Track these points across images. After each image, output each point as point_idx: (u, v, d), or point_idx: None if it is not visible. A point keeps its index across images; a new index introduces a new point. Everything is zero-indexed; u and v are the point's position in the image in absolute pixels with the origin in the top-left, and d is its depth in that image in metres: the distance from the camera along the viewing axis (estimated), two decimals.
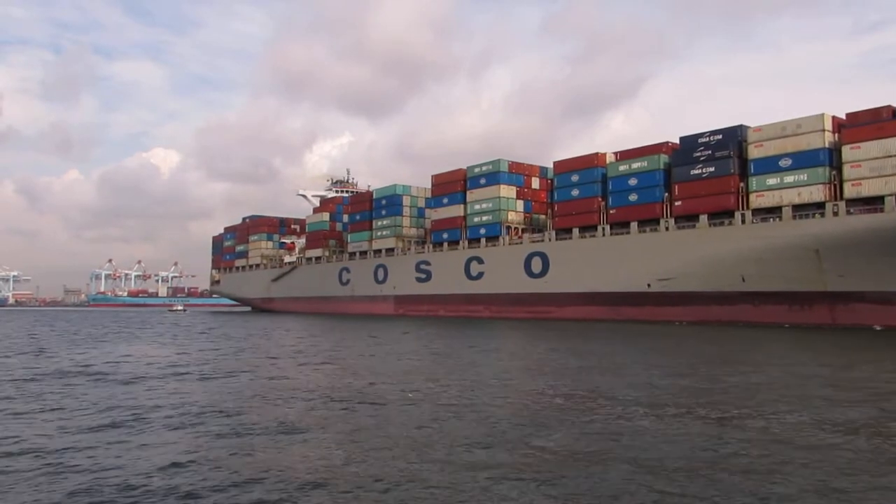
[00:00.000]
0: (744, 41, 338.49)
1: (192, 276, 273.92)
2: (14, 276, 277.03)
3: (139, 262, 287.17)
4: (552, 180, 79.65)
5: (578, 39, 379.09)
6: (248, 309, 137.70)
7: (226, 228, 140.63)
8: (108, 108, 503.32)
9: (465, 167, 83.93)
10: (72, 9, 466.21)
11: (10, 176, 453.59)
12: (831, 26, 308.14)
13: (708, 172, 59.16)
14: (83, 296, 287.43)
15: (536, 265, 73.16)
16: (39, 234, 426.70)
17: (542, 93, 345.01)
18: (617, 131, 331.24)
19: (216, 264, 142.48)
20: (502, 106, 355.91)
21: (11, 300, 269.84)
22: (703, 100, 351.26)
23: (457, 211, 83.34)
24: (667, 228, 61.59)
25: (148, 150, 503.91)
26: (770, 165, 54.91)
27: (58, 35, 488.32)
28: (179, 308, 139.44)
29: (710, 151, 59.27)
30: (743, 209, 56.36)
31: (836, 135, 52.57)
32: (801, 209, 52.84)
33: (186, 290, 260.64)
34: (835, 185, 51.65)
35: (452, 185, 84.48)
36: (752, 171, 56.20)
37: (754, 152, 56.28)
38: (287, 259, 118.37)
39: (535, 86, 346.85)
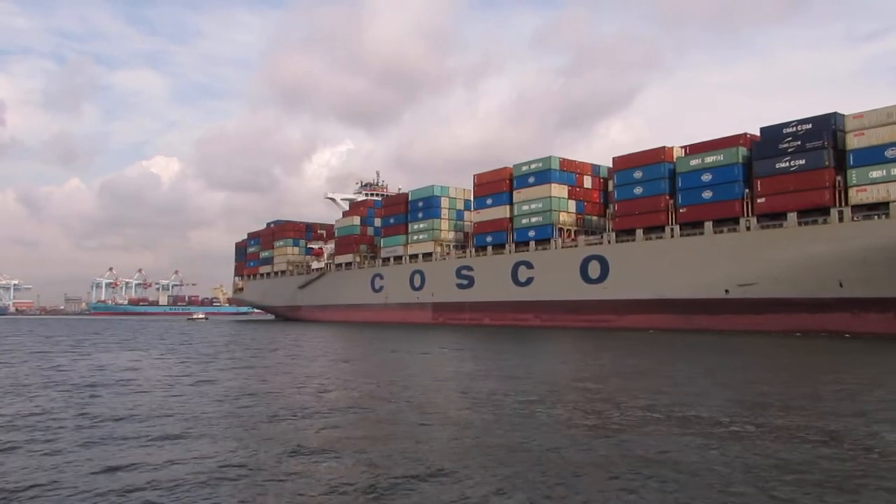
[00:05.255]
0: (738, 50, 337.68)
1: (193, 285, 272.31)
2: (15, 285, 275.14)
3: (140, 270, 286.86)
4: (606, 179, 75.15)
5: (570, 52, 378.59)
6: (272, 317, 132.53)
7: (249, 234, 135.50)
8: (110, 118, 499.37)
9: (510, 165, 78.99)
10: (74, 18, 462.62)
11: (12, 185, 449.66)
12: (823, 35, 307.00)
13: (797, 165, 54.20)
14: (84, 304, 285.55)
15: (594, 270, 68.04)
16: (40, 243, 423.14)
17: (537, 103, 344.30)
18: (614, 140, 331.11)
19: (239, 271, 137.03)
20: (498, 116, 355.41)
21: (12, 309, 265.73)
22: (702, 107, 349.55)
23: (502, 212, 78.22)
24: (748, 228, 56.62)
25: (149, 158, 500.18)
26: (874, 156, 50.03)
27: (60, 45, 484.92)
28: (201, 317, 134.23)
29: (798, 142, 54.34)
30: (840, 205, 51.42)
31: None
32: None
33: (187, 298, 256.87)
34: None
35: (497, 185, 79.40)
36: (852, 162, 51.28)
37: (854, 142, 51.41)
38: (314, 265, 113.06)
39: (531, 96, 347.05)
